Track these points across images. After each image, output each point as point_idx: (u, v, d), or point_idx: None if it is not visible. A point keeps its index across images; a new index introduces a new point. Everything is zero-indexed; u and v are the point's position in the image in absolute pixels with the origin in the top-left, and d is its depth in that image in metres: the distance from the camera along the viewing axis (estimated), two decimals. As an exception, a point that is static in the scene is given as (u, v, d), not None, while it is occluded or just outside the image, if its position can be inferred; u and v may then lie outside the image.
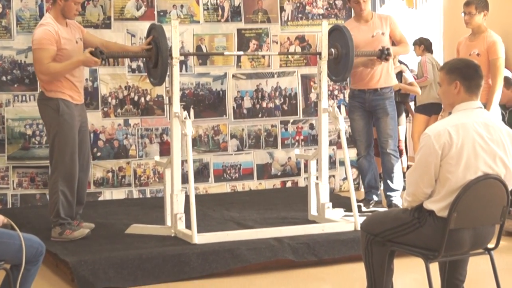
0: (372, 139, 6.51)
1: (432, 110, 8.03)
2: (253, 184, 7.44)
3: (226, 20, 7.30)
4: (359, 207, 5.98)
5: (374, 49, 6.07)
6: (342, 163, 7.60)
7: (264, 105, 7.46)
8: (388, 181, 6.42)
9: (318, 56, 5.84)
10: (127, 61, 6.94)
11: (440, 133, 3.54)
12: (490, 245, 3.77)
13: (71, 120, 5.31)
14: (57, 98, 5.28)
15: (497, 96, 6.05)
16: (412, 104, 8.70)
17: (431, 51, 8.35)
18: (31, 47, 5.33)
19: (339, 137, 6.12)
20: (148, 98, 7.05)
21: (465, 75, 3.64)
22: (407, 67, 8.13)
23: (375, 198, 6.44)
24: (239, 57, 7.32)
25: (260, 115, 7.45)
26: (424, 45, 8.31)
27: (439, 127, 3.59)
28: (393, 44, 6.47)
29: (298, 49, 7.55)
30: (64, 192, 5.26)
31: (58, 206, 5.25)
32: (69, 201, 5.30)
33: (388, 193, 6.44)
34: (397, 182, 6.38)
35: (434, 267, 3.77)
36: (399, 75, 7.88)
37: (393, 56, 6.12)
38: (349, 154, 5.88)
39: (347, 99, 7.67)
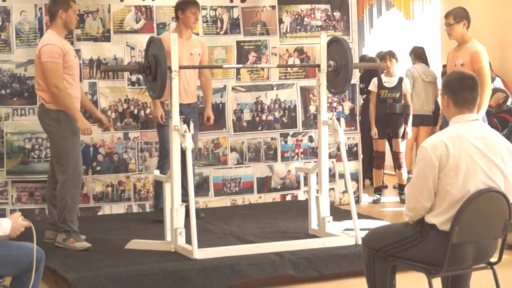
0: None
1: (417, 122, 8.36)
2: (253, 198, 7.41)
3: (225, 33, 7.30)
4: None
5: None
6: (341, 176, 7.57)
7: (264, 117, 7.44)
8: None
9: (317, 68, 5.83)
10: (126, 74, 6.93)
11: (437, 145, 3.54)
12: (493, 259, 3.74)
13: (73, 127, 5.41)
14: (57, 109, 5.37)
15: (485, 105, 6.06)
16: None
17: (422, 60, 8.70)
18: (39, 60, 5.33)
19: (338, 149, 6.08)
20: (148, 111, 7.02)
21: (451, 89, 3.65)
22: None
23: None
24: (238, 69, 7.30)
25: (260, 128, 7.42)
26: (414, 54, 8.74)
27: (435, 139, 3.59)
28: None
29: (297, 61, 7.54)
30: (72, 197, 5.38)
31: (65, 212, 5.35)
32: (75, 206, 5.42)
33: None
34: None
35: (437, 282, 3.74)
36: (399, 84, 7.83)
37: None
38: (349, 167, 5.84)
39: (345, 111, 7.66)
